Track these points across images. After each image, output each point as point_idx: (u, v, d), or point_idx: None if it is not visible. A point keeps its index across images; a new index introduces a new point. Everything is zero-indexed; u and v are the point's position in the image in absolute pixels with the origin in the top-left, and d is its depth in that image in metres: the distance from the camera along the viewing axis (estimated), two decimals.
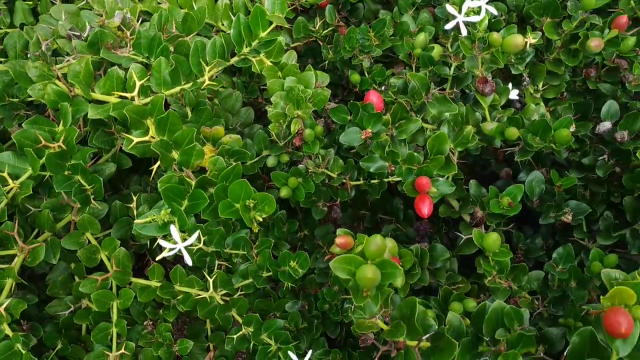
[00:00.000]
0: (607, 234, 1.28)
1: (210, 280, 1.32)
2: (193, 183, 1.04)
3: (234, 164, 1.04)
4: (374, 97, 1.17)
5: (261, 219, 1.00)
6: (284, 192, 1.36)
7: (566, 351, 0.85)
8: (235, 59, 1.21)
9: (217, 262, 1.36)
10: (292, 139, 1.39)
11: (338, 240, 1.01)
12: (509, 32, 1.18)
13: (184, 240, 1.00)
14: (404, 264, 1.21)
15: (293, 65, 1.43)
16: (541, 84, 1.37)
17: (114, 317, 1.37)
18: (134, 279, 1.38)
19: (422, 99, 1.22)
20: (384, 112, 1.20)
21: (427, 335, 0.91)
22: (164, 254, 1.00)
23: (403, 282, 1.20)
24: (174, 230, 0.98)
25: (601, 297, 0.77)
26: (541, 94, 1.37)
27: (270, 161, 1.46)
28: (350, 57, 1.58)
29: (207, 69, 1.16)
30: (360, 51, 1.57)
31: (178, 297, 1.37)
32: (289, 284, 1.49)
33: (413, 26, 1.70)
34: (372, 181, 1.40)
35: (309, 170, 1.39)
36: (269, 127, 1.37)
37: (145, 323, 1.43)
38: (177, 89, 1.15)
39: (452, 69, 1.36)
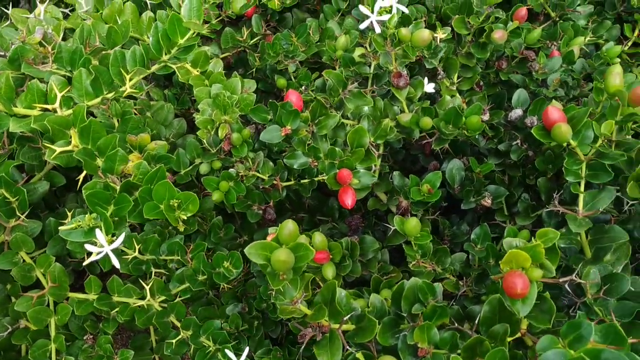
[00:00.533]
0: (526, 214, 1.35)
1: (147, 288, 1.33)
2: (118, 188, 1.06)
3: (158, 166, 1.07)
4: (292, 97, 1.21)
5: (185, 217, 1.03)
6: (215, 197, 1.39)
7: (477, 319, 0.90)
8: (156, 66, 1.24)
9: (153, 270, 1.38)
10: (223, 144, 1.42)
11: (270, 237, 1.04)
12: (417, 28, 1.24)
13: (111, 243, 1.02)
14: (334, 256, 1.25)
15: (219, 73, 1.47)
16: (455, 76, 1.44)
17: (52, 333, 1.37)
18: (70, 294, 1.38)
19: (339, 95, 1.28)
20: (304, 110, 1.24)
21: (349, 317, 0.95)
22: (92, 258, 1.01)
23: (334, 274, 1.24)
24: (99, 234, 1.00)
25: (500, 262, 0.82)
26: (456, 86, 1.44)
27: (203, 168, 1.48)
28: (276, 62, 1.62)
29: (127, 77, 1.18)
30: (285, 56, 1.61)
31: (117, 309, 1.37)
32: (232, 288, 1.52)
33: (338, 31, 1.76)
34: (303, 181, 1.44)
35: (240, 174, 1.42)
36: (198, 133, 1.40)
37: (85, 337, 1.43)
38: (99, 98, 1.17)
39: (372, 67, 1.41)
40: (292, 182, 1.46)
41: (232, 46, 1.82)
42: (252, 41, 1.81)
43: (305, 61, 1.76)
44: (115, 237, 1.03)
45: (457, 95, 1.44)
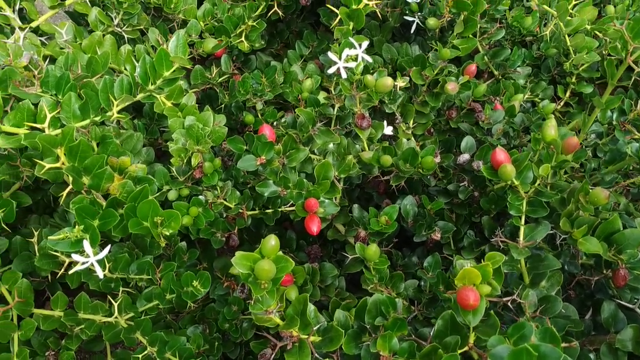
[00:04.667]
0: (471, 249, 1.49)
1: (116, 305, 1.38)
2: (104, 204, 1.13)
3: (143, 185, 1.15)
4: (266, 130, 1.32)
5: (168, 233, 1.11)
6: (185, 220, 1.46)
7: (431, 332, 1.01)
8: (142, 95, 1.33)
9: (121, 288, 1.43)
10: (192, 173, 1.50)
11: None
12: (381, 75, 1.39)
13: (96, 254, 1.08)
14: (297, 279, 1.34)
15: (192, 106, 1.57)
16: (411, 121, 1.59)
17: (15, 348, 1.39)
18: (35, 310, 1.42)
19: (309, 132, 1.40)
20: (276, 143, 1.35)
21: (317, 327, 1.04)
22: (77, 267, 1.08)
23: (297, 296, 1.34)
24: (87, 245, 1.06)
25: (455, 279, 0.95)
26: (412, 130, 1.59)
27: (172, 195, 1.56)
28: (244, 100, 1.74)
29: (115, 103, 1.27)
30: (254, 95, 1.73)
31: (81, 325, 1.42)
32: (190, 313, 1.59)
33: (301, 75, 1.90)
34: (267, 210, 1.54)
35: (209, 201, 1.51)
36: (171, 160, 1.48)
37: (47, 353, 1.46)
38: (88, 121, 1.25)
39: (336, 109, 1.55)
40: (257, 212, 1.55)
41: (201, 82, 1.93)
42: (220, 79, 1.93)
43: (269, 101, 1.88)
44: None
45: (412, 138, 1.58)
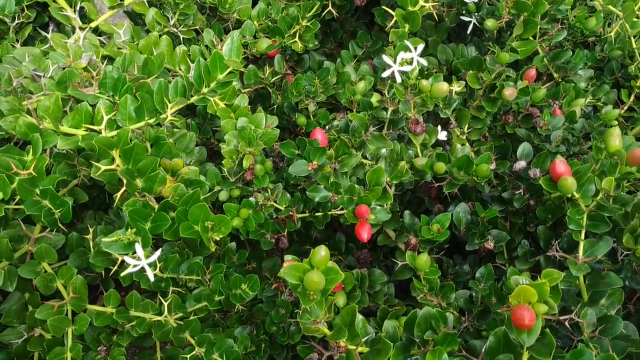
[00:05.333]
0: (525, 259, 1.44)
1: (166, 304, 1.40)
2: (156, 207, 1.14)
3: (194, 190, 1.16)
4: (319, 135, 1.31)
5: (218, 238, 1.12)
6: (235, 222, 1.47)
7: (483, 348, 0.99)
8: (195, 97, 1.34)
9: (171, 288, 1.45)
10: (243, 174, 1.51)
11: (286, 263, 1.14)
12: (437, 80, 1.36)
13: (147, 257, 1.10)
14: (346, 286, 1.33)
15: (245, 107, 1.57)
16: (466, 127, 1.56)
17: (69, 342, 1.43)
18: (89, 305, 1.45)
19: (361, 137, 1.38)
20: (328, 148, 1.34)
21: (365, 339, 1.03)
22: (129, 269, 1.09)
23: (345, 303, 1.32)
24: (139, 248, 1.08)
25: (509, 296, 0.91)
26: (466, 135, 1.55)
27: (223, 195, 1.57)
28: (297, 101, 1.73)
29: (169, 105, 1.28)
30: (306, 96, 1.72)
31: (132, 323, 1.44)
32: (238, 312, 1.60)
33: (354, 76, 1.88)
34: (317, 214, 1.53)
35: (259, 203, 1.51)
36: (223, 162, 1.49)
37: (99, 349, 1.49)
38: (142, 123, 1.27)
39: (389, 112, 1.52)
40: (307, 215, 1.55)
41: (254, 82, 1.93)
42: (272, 79, 1.92)
43: (321, 102, 1.87)
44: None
45: (467, 144, 1.55)
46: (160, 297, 1.42)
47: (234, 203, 1.56)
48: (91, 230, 1.49)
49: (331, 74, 1.88)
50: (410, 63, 1.44)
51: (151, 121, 1.28)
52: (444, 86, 1.31)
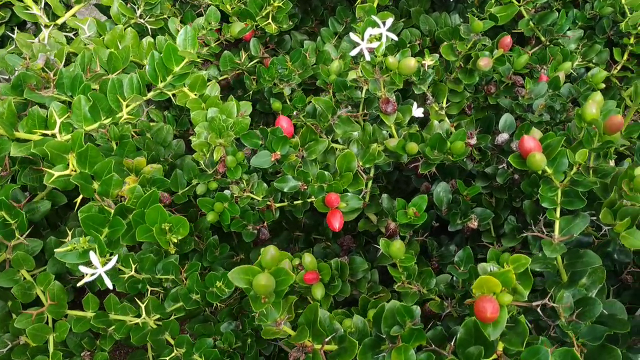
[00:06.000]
0: (512, 236, 1.38)
1: (143, 306, 1.37)
2: (112, 211, 1.10)
3: (151, 190, 1.11)
4: (283, 122, 1.25)
5: (176, 241, 1.07)
6: (210, 217, 1.43)
7: (453, 341, 0.93)
8: (152, 93, 1.29)
9: (149, 289, 1.42)
10: (218, 166, 1.46)
11: None
12: (404, 56, 1.29)
13: (104, 265, 1.06)
14: (323, 277, 1.29)
15: (215, 97, 1.51)
16: (444, 101, 1.48)
17: (51, 349, 1.41)
18: (69, 311, 1.43)
19: (328, 121, 1.32)
20: (295, 135, 1.28)
21: (331, 338, 0.98)
22: (85, 279, 1.06)
23: (323, 294, 1.28)
24: (93, 256, 1.04)
25: (472, 287, 0.86)
26: (445, 110, 1.48)
27: (200, 189, 1.52)
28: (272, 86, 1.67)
29: (124, 104, 1.23)
30: (280, 80, 1.66)
31: (113, 326, 1.41)
32: (229, 306, 1.56)
33: (335, 54, 1.81)
34: (295, 202, 1.48)
35: (235, 195, 1.46)
36: (194, 156, 1.45)
37: (82, 354, 1.47)
38: (97, 124, 1.22)
39: (364, 92, 1.46)
40: (285, 204, 1.49)
41: (230, 69, 1.87)
42: (250, 64, 1.86)
43: (303, 82, 1.80)
44: (110, 258, 1.08)
45: (446, 119, 1.47)
46: (137, 299, 1.39)
47: (209, 197, 1.51)
48: (70, 233, 1.46)
49: (310, 54, 1.81)
50: (380, 39, 1.36)
51: (106, 121, 1.23)
52: (411, 62, 1.24)
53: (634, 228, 0.98)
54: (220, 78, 1.87)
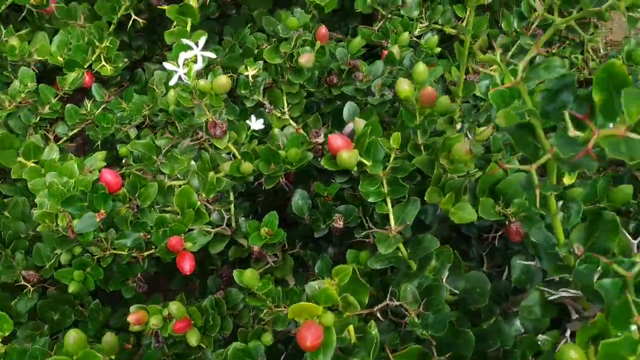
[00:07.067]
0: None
1: None
2: None
3: None
4: (108, 176, 1.17)
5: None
6: (72, 288, 1.34)
7: None
8: None
9: None
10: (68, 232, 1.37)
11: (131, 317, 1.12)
12: (215, 75, 1.22)
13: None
14: (195, 321, 1.22)
15: (52, 160, 1.43)
16: (285, 105, 1.42)
17: None
18: None
19: (155, 163, 1.24)
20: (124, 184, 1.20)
21: None
22: None
23: (199, 339, 1.21)
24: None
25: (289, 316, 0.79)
26: (288, 114, 1.42)
27: (64, 258, 1.43)
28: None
29: None
30: (122, 124, 1.57)
31: None
32: None
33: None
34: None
35: (95, 257, 1.37)
36: (38, 229, 1.35)
37: None
38: None
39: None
40: (152, 251, 1.41)
41: (80, 121, 1.77)
42: (97, 111, 1.76)
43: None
44: None
45: (292, 122, 1.41)
46: None
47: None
48: None
49: (157, 85, 1.72)
50: (196, 61, 1.29)
51: None
52: (222, 80, 1.17)
53: (463, 201, 0.93)
54: (70, 134, 1.76)
